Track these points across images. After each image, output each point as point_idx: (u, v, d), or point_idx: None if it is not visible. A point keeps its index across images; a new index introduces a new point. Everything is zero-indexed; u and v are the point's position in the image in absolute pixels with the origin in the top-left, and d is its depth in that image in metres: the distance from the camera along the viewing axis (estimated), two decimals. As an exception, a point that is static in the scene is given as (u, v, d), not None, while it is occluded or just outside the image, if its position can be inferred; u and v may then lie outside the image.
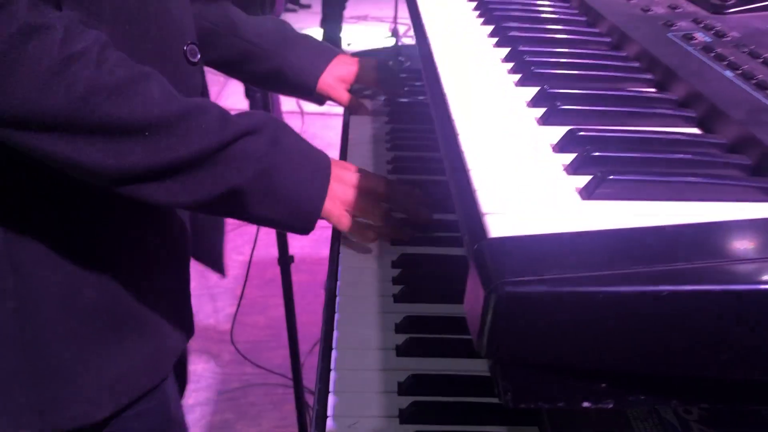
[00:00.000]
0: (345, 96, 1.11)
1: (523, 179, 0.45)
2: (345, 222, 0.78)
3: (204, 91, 0.87)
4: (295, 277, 1.74)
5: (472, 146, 0.48)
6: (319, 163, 0.75)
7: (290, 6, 5.47)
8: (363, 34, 4.84)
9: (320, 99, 1.10)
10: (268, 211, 0.71)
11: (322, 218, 0.75)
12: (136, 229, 0.77)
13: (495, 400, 0.63)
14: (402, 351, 0.69)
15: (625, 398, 0.37)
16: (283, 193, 0.70)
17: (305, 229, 0.74)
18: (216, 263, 1.03)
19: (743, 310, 0.33)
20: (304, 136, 0.75)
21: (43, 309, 0.71)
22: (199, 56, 0.78)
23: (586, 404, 0.37)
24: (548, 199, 0.42)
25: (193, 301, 0.89)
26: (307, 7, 5.54)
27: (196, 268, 0.95)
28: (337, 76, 1.09)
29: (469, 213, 0.43)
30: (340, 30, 4.57)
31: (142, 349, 0.79)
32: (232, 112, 0.71)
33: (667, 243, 0.36)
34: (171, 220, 0.81)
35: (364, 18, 5.06)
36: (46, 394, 0.73)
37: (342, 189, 0.77)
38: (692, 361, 0.35)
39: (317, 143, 0.78)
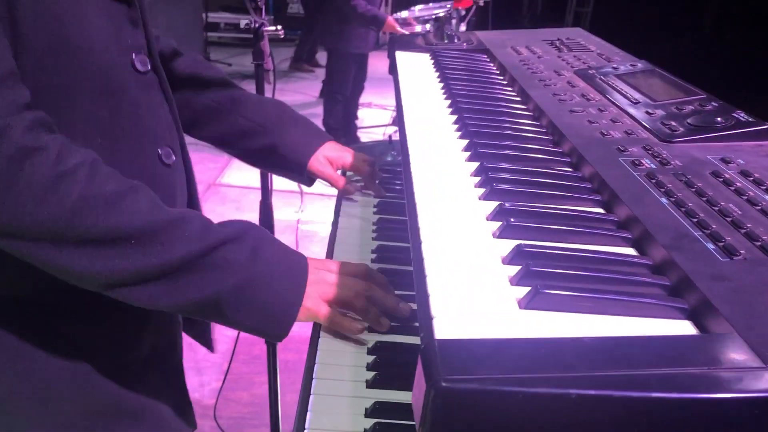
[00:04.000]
0: (337, 177, 1.18)
1: (472, 288, 0.51)
2: (322, 319, 0.82)
3: (189, 190, 0.91)
4: (282, 356, 1.78)
5: (431, 254, 0.56)
6: (297, 271, 0.78)
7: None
8: (367, 120, 5.04)
9: (309, 179, 1.16)
10: (244, 318, 0.74)
11: (299, 321, 0.78)
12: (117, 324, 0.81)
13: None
14: (369, 435, 0.74)
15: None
16: (260, 303, 0.74)
17: (278, 336, 0.77)
18: (204, 338, 1.07)
19: (637, 415, 0.39)
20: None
21: (20, 409, 0.76)
22: (174, 158, 0.84)
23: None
24: (491, 306, 0.49)
25: (179, 375, 0.94)
26: None
27: (186, 341, 1.00)
28: (326, 156, 1.15)
29: (423, 314, 0.50)
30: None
31: None
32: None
33: (581, 353, 0.42)
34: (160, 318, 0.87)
35: (368, 105, 5.28)
36: None
37: (320, 290, 0.81)
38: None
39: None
